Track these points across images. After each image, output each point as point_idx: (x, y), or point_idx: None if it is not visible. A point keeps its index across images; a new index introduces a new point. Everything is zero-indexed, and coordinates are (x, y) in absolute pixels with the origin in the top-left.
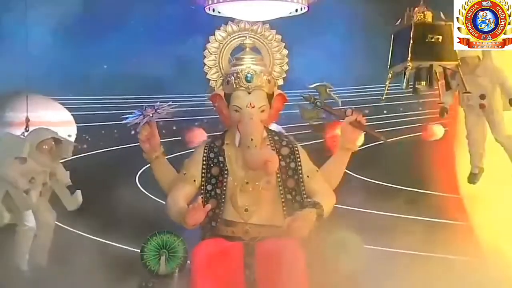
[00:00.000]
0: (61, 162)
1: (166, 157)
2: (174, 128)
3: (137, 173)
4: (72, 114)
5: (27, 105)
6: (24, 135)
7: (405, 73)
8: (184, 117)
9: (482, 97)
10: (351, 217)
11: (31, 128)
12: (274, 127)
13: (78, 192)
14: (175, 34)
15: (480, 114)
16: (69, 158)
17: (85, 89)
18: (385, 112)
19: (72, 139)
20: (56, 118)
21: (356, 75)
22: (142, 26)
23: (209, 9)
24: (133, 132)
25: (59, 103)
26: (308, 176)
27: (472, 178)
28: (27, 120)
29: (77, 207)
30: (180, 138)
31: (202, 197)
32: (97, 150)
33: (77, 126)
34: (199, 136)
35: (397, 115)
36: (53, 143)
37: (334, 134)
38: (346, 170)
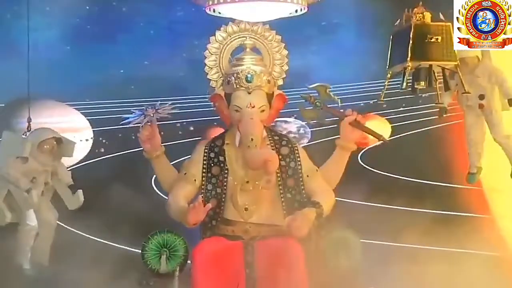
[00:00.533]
0: (78, 166)
1: (184, 158)
2: (192, 129)
3: (152, 176)
4: (89, 119)
5: (29, 107)
6: (26, 135)
7: (404, 73)
8: (201, 118)
9: (481, 97)
10: (371, 212)
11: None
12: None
13: (80, 191)
14: (189, 34)
15: (479, 114)
16: (87, 162)
17: (103, 94)
18: (403, 105)
19: (90, 143)
20: (72, 124)
21: (373, 70)
22: (152, 28)
23: (210, 10)
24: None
25: (76, 108)
26: (307, 176)
27: (471, 178)
28: (29, 120)
29: (78, 207)
30: (200, 138)
31: (202, 197)
32: (114, 153)
33: (94, 130)
34: None
35: (415, 107)
36: (54, 142)
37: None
38: (367, 167)
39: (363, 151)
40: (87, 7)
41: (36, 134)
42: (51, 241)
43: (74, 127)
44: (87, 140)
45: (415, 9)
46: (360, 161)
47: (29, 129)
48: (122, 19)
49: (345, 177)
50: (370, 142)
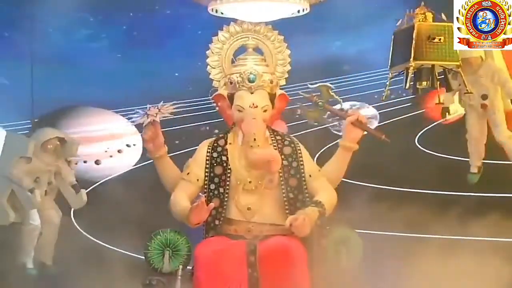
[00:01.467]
0: (133, 168)
1: None
2: None
3: None
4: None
5: (32, 109)
6: (29, 135)
7: (407, 73)
8: None
9: (484, 97)
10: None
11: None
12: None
13: (83, 191)
14: None
15: (480, 114)
16: (138, 165)
17: (160, 98)
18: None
19: (139, 147)
20: (120, 130)
21: None
22: (200, 29)
23: (212, 10)
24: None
25: (129, 113)
26: (310, 175)
27: (471, 177)
28: (33, 122)
29: (82, 206)
30: None
31: (205, 196)
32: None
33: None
34: (279, 126)
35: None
36: (57, 142)
37: (437, 103)
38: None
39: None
40: (131, 14)
41: (39, 134)
42: (55, 240)
43: (121, 133)
44: (134, 145)
45: (417, 9)
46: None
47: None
48: (168, 22)
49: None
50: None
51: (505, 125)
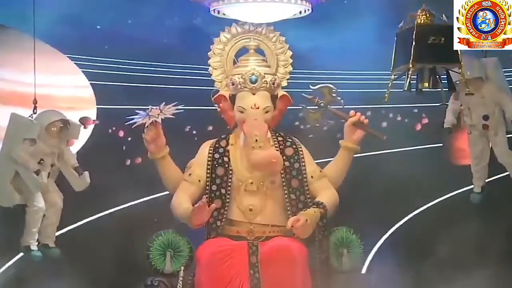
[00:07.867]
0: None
1: None
2: None
3: None
4: None
5: (34, 92)
6: (32, 117)
7: (408, 75)
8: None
9: (485, 118)
10: None
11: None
12: None
13: (86, 173)
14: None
15: (483, 134)
16: None
17: None
18: None
19: None
20: None
21: None
22: None
23: (214, 11)
24: None
25: None
26: (311, 177)
27: (475, 197)
28: (35, 102)
29: (85, 188)
30: None
31: (207, 197)
32: None
33: None
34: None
35: None
36: (61, 125)
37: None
38: None
39: None
40: None
41: (44, 116)
42: (58, 222)
43: None
44: None
45: (419, 10)
46: None
47: (34, 111)
48: None
49: None
50: None
51: (507, 146)
